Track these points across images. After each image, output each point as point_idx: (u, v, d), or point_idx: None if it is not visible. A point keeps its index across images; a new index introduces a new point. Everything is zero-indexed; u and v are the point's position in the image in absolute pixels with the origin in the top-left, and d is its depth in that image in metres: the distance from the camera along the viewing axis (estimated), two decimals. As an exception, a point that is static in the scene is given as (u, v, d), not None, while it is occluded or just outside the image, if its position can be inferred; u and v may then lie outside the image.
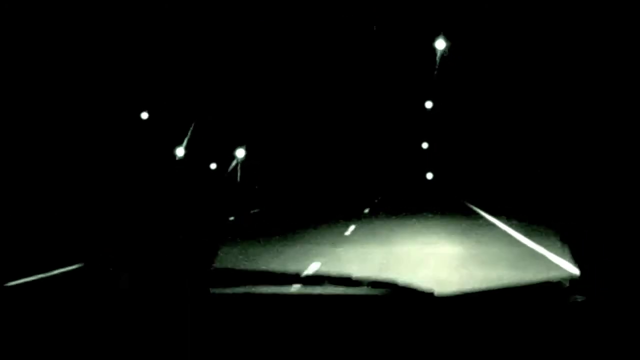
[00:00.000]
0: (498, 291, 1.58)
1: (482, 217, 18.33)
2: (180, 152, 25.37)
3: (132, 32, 22.20)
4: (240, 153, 30.22)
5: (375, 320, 1.41)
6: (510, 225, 14.12)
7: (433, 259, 9.00)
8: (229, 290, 1.61)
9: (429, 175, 57.63)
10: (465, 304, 1.56)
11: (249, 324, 1.38)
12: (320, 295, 1.59)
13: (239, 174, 31.00)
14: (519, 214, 16.81)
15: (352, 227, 14.60)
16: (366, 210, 22.15)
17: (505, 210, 18.81)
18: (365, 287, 1.61)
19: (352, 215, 18.89)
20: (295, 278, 1.66)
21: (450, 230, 13.95)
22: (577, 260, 1.44)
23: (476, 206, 23.75)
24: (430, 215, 19.15)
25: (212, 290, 1.61)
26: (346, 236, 12.87)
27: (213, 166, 32.15)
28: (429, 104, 44.85)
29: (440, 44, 19.88)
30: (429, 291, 1.59)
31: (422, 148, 57.38)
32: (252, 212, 20.97)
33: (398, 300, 1.59)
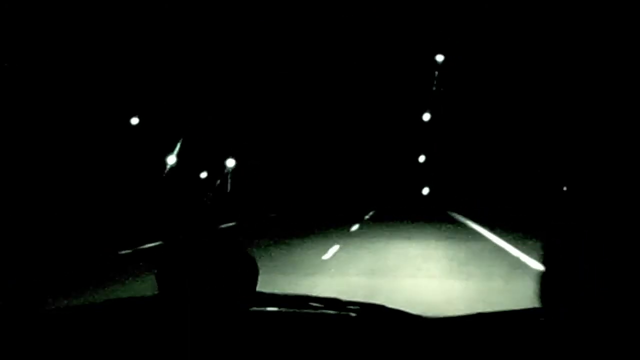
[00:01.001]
0: (484, 316, 1.63)
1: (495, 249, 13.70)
2: (171, 160, 25.15)
3: (124, 37, 22.28)
4: (230, 163, 30.12)
5: (363, 341, 1.45)
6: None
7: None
8: None
9: (425, 190, 57.49)
10: (452, 327, 1.60)
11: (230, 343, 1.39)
12: (303, 314, 1.63)
13: (229, 184, 30.90)
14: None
15: (335, 248, 12.90)
16: (354, 228, 19.67)
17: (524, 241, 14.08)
18: (354, 309, 1.65)
19: (336, 234, 16.60)
20: (276, 298, 1.69)
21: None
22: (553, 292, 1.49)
23: (481, 226, 20.24)
24: (425, 244, 14.66)
25: None
26: (324, 260, 11.27)
27: (203, 175, 32.14)
28: (426, 117, 45.10)
29: (440, 57, 20.04)
30: (416, 315, 1.64)
31: (418, 162, 57.47)
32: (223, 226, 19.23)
33: (386, 323, 1.63)
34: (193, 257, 1.34)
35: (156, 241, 12.67)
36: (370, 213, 30.22)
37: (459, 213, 29.66)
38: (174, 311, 1.34)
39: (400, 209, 35.94)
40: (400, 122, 52.83)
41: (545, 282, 1.32)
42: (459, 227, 21.12)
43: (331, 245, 13.18)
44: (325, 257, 11.68)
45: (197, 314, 1.34)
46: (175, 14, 24.48)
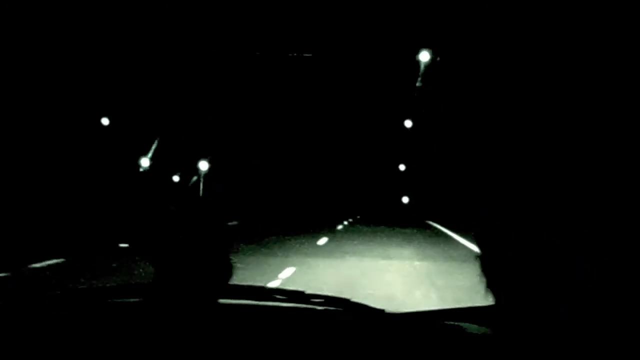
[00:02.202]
0: (445, 312, 1.75)
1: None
2: (145, 162, 24.83)
3: (95, 34, 22.15)
4: (203, 165, 29.79)
5: (326, 334, 1.54)
6: None
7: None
8: None
9: (405, 199, 57.85)
10: (413, 322, 1.71)
11: (191, 335, 1.45)
12: (268, 307, 1.72)
13: (201, 187, 30.60)
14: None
15: (290, 271, 10.74)
16: (321, 242, 17.69)
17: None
18: (318, 303, 1.74)
19: (302, 251, 14.55)
20: (244, 291, 1.78)
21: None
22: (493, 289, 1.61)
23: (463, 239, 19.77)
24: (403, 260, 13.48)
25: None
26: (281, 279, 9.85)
27: (176, 178, 31.94)
28: (408, 123, 45.46)
29: (424, 57, 19.99)
30: (379, 309, 1.75)
31: (399, 170, 57.86)
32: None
33: (349, 316, 1.74)
34: (183, 253, 1.50)
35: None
36: (345, 223, 29.83)
37: (437, 222, 30.46)
38: (159, 303, 1.50)
39: (377, 218, 36.73)
40: (382, 129, 53.25)
41: (488, 272, 1.42)
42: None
43: (283, 269, 10.86)
44: (281, 276, 10.04)
45: (173, 306, 1.50)
46: (147, 11, 24.39)
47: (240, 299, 1.74)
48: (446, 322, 1.69)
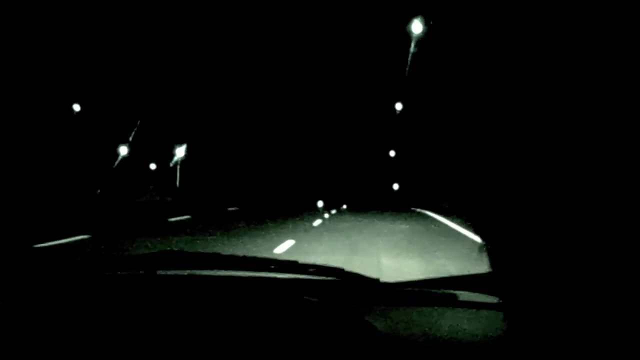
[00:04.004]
0: (438, 280, 1.84)
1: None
2: (123, 150, 24.65)
3: (75, 19, 21.94)
4: (180, 152, 29.50)
5: (321, 302, 1.61)
6: None
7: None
8: (171, 272, 1.80)
9: (396, 186, 58.04)
10: (407, 291, 1.80)
11: (188, 306, 1.51)
12: (264, 278, 1.79)
13: (178, 176, 30.28)
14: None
15: (290, 243, 11.29)
16: (316, 223, 18.17)
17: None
18: (312, 272, 1.82)
19: (301, 228, 15.46)
20: (243, 262, 1.85)
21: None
22: (491, 260, 1.71)
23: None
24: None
25: (158, 272, 1.79)
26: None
27: (153, 166, 31.81)
28: (399, 106, 45.45)
29: (416, 27, 19.53)
30: (374, 278, 1.83)
31: (389, 156, 57.92)
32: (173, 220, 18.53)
33: (345, 285, 1.81)
34: None
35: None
36: (333, 211, 29.59)
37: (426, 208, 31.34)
38: None
39: (367, 205, 37.47)
40: (372, 112, 53.28)
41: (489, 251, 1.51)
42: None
43: (284, 241, 11.76)
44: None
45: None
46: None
47: (235, 270, 1.81)
48: (439, 291, 1.78)
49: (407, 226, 17.36)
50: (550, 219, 1.51)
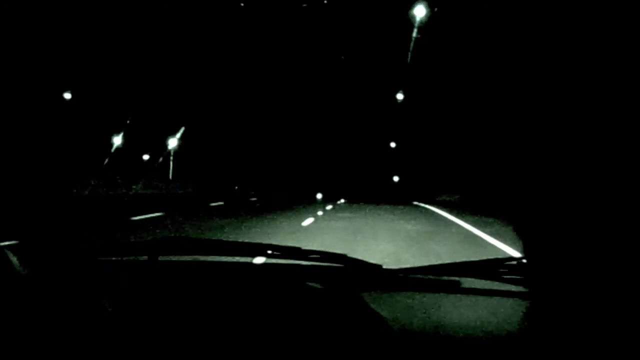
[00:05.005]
0: (441, 267, 1.87)
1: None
2: (117, 140, 24.48)
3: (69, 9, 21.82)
4: (172, 143, 29.41)
5: (325, 289, 1.65)
6: None
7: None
8: (174, 258, 1.84)
9: (396, 178, 58.08)
10: (410, 277, 1.83)
11: (190, 291, 1.54)
12: (267, 264, 1.83)
13: (171, 168, 30.15)
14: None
15: (311, 219, 13.46)
16: (329, 208, 21.67)
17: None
18: (315, 259, 1.85)
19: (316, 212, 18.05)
20: (245, 249, 1.89)
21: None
22: (525, 245, 1.74)
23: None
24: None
25: (160, 258, 1.83)
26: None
27: (146, 157, 31.74)
28: (400, 96, 45.41)
29: (419, 11, 19.35)
30: (377, 264, 1.86)
31: (389, 147, 57.94)
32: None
33: (348, 272, 1.85)
34: None
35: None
36: (331, 205, 28.46)
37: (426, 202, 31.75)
38: None
39: (369, 197, 37.91)
40: (373, 102, 53.21)
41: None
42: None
43: (306, 218, 13.84)
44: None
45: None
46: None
47: (237, 256, 1.85)
48: (442, 277, 1.81)
49: (415, 227, 14.68)
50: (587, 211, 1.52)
